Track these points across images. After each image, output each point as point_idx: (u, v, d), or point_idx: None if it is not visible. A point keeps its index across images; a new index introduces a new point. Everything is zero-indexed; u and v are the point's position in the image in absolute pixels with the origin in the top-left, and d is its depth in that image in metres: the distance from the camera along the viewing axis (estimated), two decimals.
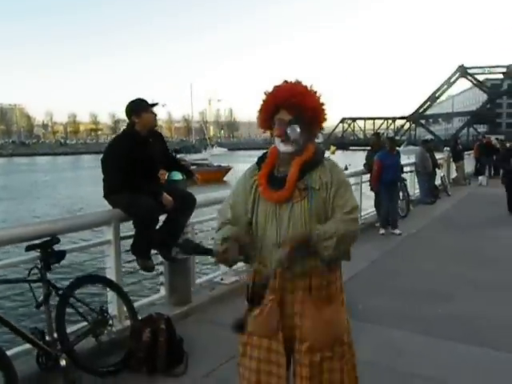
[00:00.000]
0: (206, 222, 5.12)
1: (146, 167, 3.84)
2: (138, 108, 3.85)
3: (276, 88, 2.09)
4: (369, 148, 9.65)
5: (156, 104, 3.96)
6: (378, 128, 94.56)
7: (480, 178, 16.78)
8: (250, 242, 2.10)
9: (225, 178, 31.98)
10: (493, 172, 18.65)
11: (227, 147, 75.27)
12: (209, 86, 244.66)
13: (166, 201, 3.83)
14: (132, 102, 3.90)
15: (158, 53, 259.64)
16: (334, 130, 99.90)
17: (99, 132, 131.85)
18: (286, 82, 2.10)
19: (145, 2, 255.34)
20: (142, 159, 3.77)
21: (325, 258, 1.99)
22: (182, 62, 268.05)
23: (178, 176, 4.32)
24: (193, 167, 28.22)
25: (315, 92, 2.09)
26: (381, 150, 8.56)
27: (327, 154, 2.21)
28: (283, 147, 2.06)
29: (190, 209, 4.12)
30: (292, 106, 2.01)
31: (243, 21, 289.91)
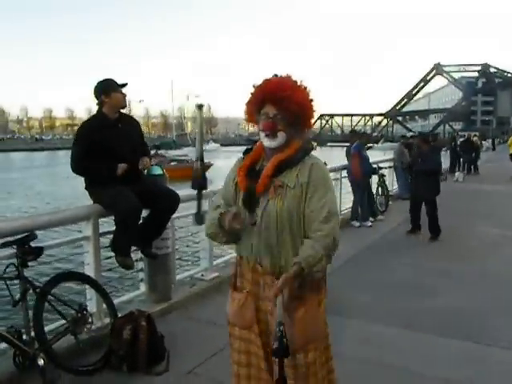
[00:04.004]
0: (184, 218, 5.06)
1: (112, 153, 3.66)
2: (108, 87, 3.72)
3: (264, 81, 2.05)
4: (348, 144, 9.70)
5: (126, 84, 3.80)
6: (356, 124, 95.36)
7: (457, 173, 17.14)
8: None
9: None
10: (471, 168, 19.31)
11: (219, 143, 74.93)
12: (186, 81, 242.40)
13: (122, 169, 3.66)
14: (101, 81, 3.78)
15: (134, 47, 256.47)
16: (312, 126, 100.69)
17: (75, 127, 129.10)
18: (275, 75, 2.05)
19: None
20: (106, 143, 3.62)
21: (318, 277, 1.97)
22: (158, 55, 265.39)
23: (158, 170, 4.23)
24: (173, 163, 27.84)
25: (304, 87, 2.04)
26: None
27: None
28: (267, 142, 2.02)
29: (174, 206, 4.03)
30: (278, 100, 1.96)
31: (217, 12, 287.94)
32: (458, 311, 4.50)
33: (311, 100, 2.05)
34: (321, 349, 2.09)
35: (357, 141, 9.05)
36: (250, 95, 2.07)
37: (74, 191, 17.68)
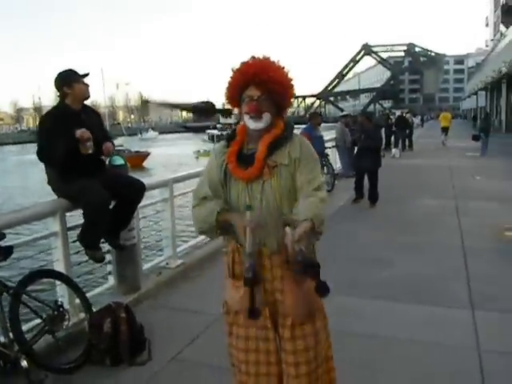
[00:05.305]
0: (149, 206, 5.00)
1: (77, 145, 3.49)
2: (70, 78, 3.58)
3: (244, 64, 2.03)
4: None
5: (88, 74, 3.68)
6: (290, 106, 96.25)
7: (393, 150, 17.89)
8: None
9: (144, 164, 31.16)
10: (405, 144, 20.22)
11: (157, 131, 73.34)
12: (115, 70, 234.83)
13: (82, 134, 3.45)
14: (62, 72, 3.62)
15: (60, 35, 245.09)
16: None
17: (0, 122, 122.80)
18: (253, 57, 2.04)
19: None
20: (71, 136, 3.44)
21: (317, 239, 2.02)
22: (86, 45, 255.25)
23: (120, 161, 4.14)
24: None
25: (283, 67, 2.05)
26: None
27: None
28: (253, 124, 2.01)
29: (140, 195, 3.97)
30: (261, 81, 1.97)
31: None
32: (413, 279, 4.79)
33: (291, 79, 2.07)
34: (324, 322, 2.18)
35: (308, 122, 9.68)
36: (230, 79, 2.05)
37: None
